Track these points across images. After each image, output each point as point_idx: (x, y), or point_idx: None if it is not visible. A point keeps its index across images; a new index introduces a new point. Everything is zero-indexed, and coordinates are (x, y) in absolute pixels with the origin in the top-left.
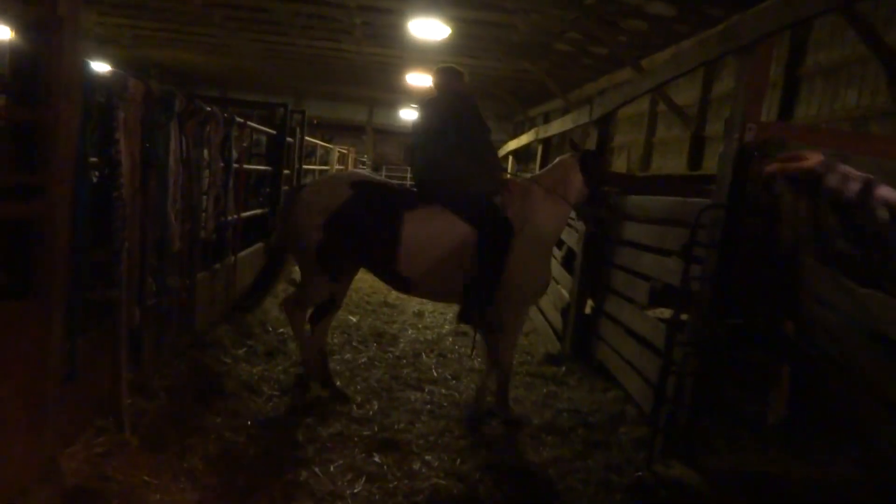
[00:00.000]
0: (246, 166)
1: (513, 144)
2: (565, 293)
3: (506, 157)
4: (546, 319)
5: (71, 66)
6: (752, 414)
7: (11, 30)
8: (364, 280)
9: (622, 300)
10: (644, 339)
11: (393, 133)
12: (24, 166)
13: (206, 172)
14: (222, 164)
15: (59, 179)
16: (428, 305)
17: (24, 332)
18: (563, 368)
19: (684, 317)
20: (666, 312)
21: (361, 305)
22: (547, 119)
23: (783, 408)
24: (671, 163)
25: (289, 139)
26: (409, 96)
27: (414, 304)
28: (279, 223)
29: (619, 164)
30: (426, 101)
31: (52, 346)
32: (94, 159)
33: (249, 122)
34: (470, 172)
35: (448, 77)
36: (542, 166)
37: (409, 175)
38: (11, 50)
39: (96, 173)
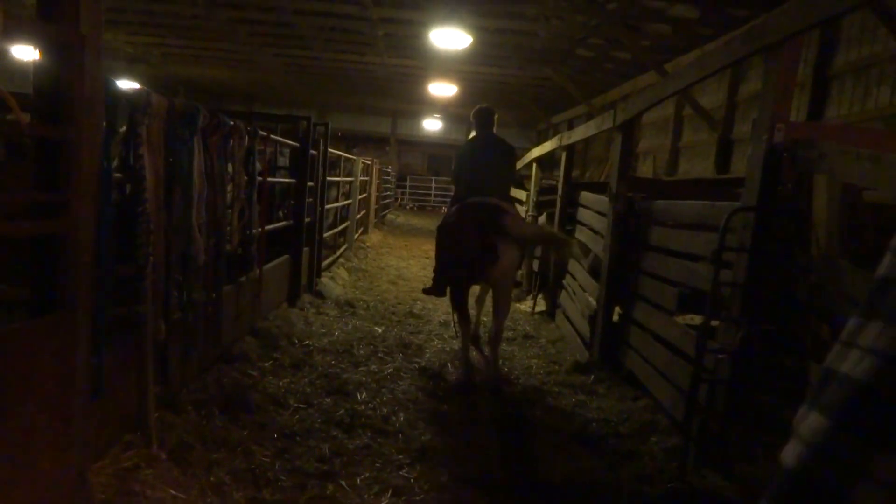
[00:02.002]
0: (270, 179)
1: (536, 152)
2: (592, 301)
3: (529, 164)
4: (573, 327)
5: (94, 83)
6: (788, 421)
7: (35, 49)
8: (389, 291)
9: (650, 307)
10: (674, 346)
11: (417, 144)
12: (48, 183)
13: (231, 186)
14: (246, 178)
15: (83, 196)
16: (455, 315)
17: (51, 348)
18: (592, 377)
19: (715, 323)
20: (696, 319)
21: (387, 316)
22: (570, 126)
23: None
24: (698, 167)
25: (312, 151)
26: (432, 106)
27: (440, 314)
28: None
29: (645, 170)
30: (474, 140)
31: (79, 362)
32: (118, 175)
33: (273, 136)
34: (504, 195)
35: (488, 118)
36: (566, 173)
37: (434, 186)
38: (35, 69)
39: (121, 189)
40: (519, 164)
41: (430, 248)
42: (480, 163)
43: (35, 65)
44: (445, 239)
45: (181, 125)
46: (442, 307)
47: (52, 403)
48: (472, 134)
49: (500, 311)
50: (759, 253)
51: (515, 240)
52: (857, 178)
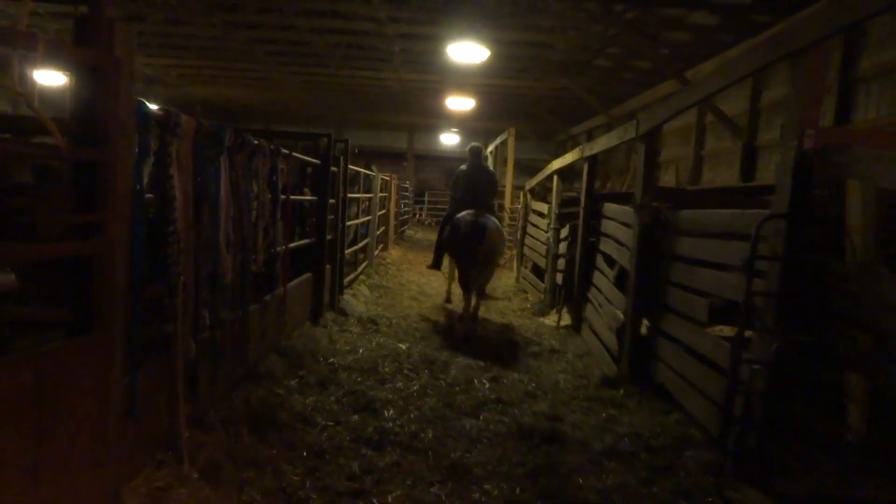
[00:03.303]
0: (292, 197)
1: (557, 164)
2: (619, 313)
3: (550, 176)
4: (600, 341)
5: (127, 106)
6: (828, 434)
7: (69, 74)
8: (411, 307)
9: (680, 318)
10: (706, 358)
11: (434, 158)
12: (84, 205)
13: (255, 204)
14: (270, 196)
15: (117, 216)
16: (478, 330)
17: (88, 367)
18: (621, 391)
19: (748, 334)
20: (727, 330)
21: (411, 333)
22: (590, 136)
23: (862, 427)
24: (722, 175)
25: (333, 168)
26: (449, 120)
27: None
28: None
29: (668, 179)
30: (466, 171)
31: (115, 381)
32: (148, 196)
33: (295, 154)
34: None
35: (477, 153)
36: (588, 184)
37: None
38: (71, 92)
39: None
40: (539, 177)
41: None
42: (471, 185)
43: (70, 88)
44: (446, 236)
45: (208, 145)
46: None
47: (90, 423)
48: (463, 167)
49: (484, 283)
50: (792, 261)
51: (493, 242)
52: (893, 182)
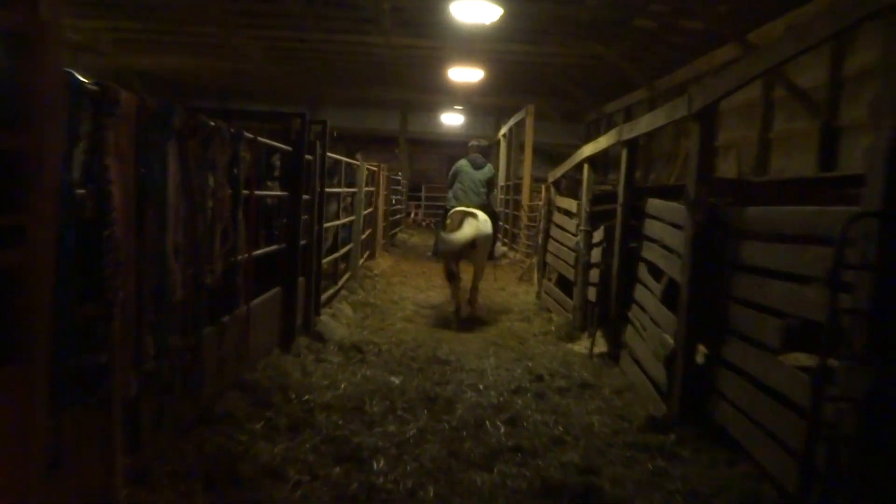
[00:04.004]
0: (257, 192)
1: (588, 150)
2: (668, 338)
3: (580, 165)
4: (644, 373)
5: (55, 80)
6: None
7: None
8: (405, 331)
9: (746, 344)
10: (780, 394)
11: (433, 144)
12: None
13: (211, 202)
14: (229, 192)
15: (41, 219)
16: (490, 359)
17: (2, 408)
18: (672, 436)
19: (833, 363)
20: (806, 359)
21: (405, 363)
22: (629, 116)
23: None
24: (795, 162)
25: (307, 156)
26: (451, 96)
27: (470, 358)
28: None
29: (728, 168)
30: (464, 167)
31: (36, 426)
32: (80, 192)
33: (261, 139)
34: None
35: (480, 151)
36: (627, 175)
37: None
38: None
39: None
40: (565, 166)
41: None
42: (468, 182)
43: None
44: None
45: (153, 128)
46: (474, 347)
47: (4, 479)
48: (463, 161)
49: (477, 276)
50: (889, 271)
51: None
52: None
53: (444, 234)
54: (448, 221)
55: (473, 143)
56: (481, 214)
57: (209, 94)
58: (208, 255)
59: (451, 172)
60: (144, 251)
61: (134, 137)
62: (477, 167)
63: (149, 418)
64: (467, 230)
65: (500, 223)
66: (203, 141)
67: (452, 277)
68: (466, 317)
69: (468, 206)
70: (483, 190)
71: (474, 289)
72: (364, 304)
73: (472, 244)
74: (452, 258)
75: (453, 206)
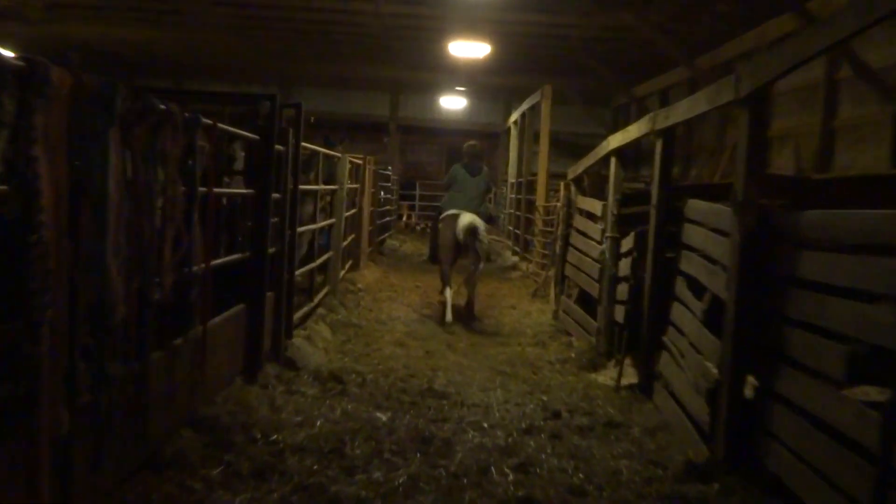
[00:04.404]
0: (218, 190)
1: (615, 141)
2: (711, 367)
3: (606, 159)
4: (682, 409)
5: None
6: None
7: None
8: (395, 357)
9: (804, 375)
10: (845, 435)
11: (429, 132)
12: None
13: (162, 201)
14: (183, 189)
15: None
16: (497, 392)
17: None
18: (716, 486)
19: None
20: (876, 393)
21: (394, 396)
22: (665, 100)
23: None
24: (865, 156)
25: (278, 147)
26: (451, 75)
27: (473, 390)
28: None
29: (783, 162)
30: (461, 171)
31: None
32: (1, 188)
33: (222, 125)
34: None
35: (474, 155)
36: (662, 171)
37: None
38: None
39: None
40: (588, 160)
41: (453, 295)
42: (465, 187)
43: None
44: (437, 235)
45: (92, 112)
46: (478, 377)
47: None
48: (460, 165)
49: (473, 276)
50: None
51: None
52: None
53: (440, 227)
54: (441, 225)
55: (470, 143)
56: (476, 217)
57: (161, 73)
58: (157, 266)
59: (446, 179)
60: (79, 260)
61: (67, 123)
62: (473, 173)
63: (83, 461)
64: (462, 223)
65: (503, 224)
66: (152, 128)
67: (446, 280)
68: (465, 315)
69: (462, 213)
70: (479, 198)
71: (470, 287)
72: (345, 325)
73: (470, 231)
74: (448, 256)
75: (447, 212)
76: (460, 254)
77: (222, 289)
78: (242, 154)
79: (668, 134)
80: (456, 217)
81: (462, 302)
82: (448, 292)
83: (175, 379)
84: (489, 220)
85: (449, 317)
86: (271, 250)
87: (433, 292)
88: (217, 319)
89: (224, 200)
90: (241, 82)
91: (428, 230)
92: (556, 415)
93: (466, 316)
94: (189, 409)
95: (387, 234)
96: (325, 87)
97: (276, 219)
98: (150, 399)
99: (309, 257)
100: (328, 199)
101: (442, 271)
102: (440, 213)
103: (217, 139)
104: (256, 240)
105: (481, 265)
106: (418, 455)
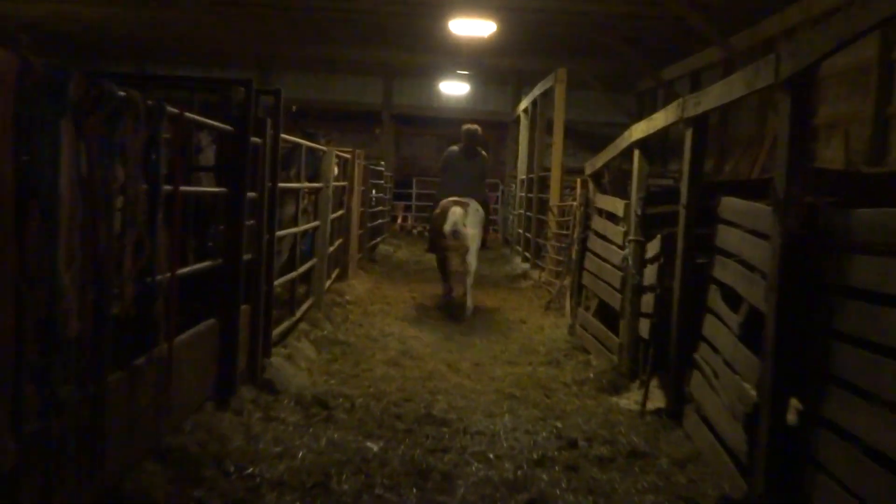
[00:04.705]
0: (185, 188)
1: (639, 131)
2: (749, 388)
3: (628, 152)
4: (716, 436)
5: None
6: None
7: None
8: (388, 379)
9: (856, 397)
10: None
11: (428, 122)
12: None
13: (120, 201)
14: (146, 187)
15: None
16: (505, 418)
17: None
18: None
19: None
20: None
21: (387, 423)
22: (696, 84)
23: None
24: None
25: (254, 139)
26: (452, 57)
27: (478, 416)
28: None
29: (831, 155)
30: (457, 154)
31: None
32: None
33: (190, 115)
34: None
35: (473, 137)
36: (693, 166)
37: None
38: None
39: None
40: (609, 153)
41: (454, 307)
42: (461, 172)
43: None
44: (434, 224)
45: (41, 101)
46: (483, 401)
47: None
48: (455, 147)
49: (471, 267)
50: None
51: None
52: None
53: (436, 215)
54: (437, 211)
55: (466, 127)
56: (472, 202)
57: (122, 56)
58: (116, 275)
59: (441, 162)
60: (26, 269)
61: (13, 113)
62: (470, 157)
63: (31, 498)
64: (457, 212)
65: (512, 227)
66: (110, 118)
67: (446, 272)
68: (466, 307)
69: (460, 198)
70: (477, 183)
71: (467, 287)
72: (332, 342)
73: (452, 232)
74: (447, 248)
75: (445, 199)
76: (459, 246)
77: (190, 301)
78: (213, 147)
79: (699, 123)
80: (452, 205)
81: (462, 295)
82: (448, 285)
83: (137, 404)
84: (485, 206)
85: (452, 297)
86: (246, 257)
87: (432, 305)
88: (184, 336)
89: (192, 200)
90: (212, 66)
91: (426, 234)
92: (573, 444)
93: (465, 311)
94: (153, 439)
95: (379, 239)
96: (309, 71)
97: (251, 221)
98: (108, 427)
99: (290, 265)
100: (312, 199)
101: (439, 262)
102: (436, 204)
103: (184, 130)
104: (229, 245)
105: (469, 278)
106: (414, 490)
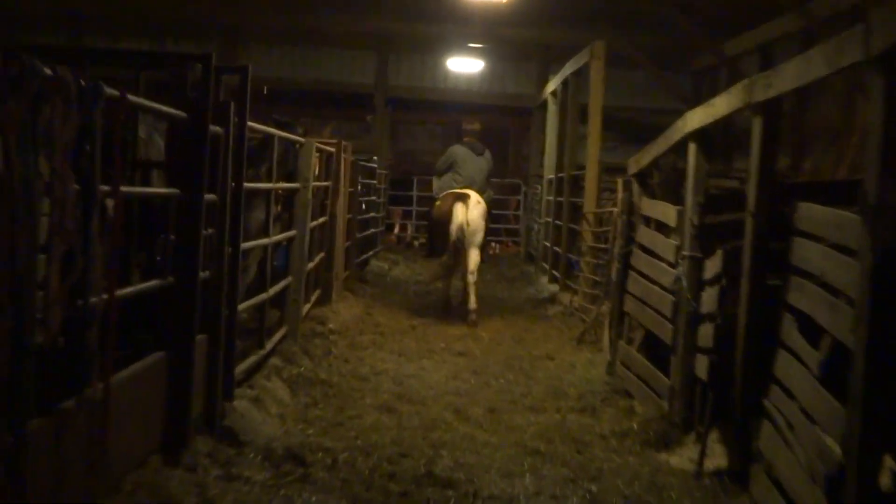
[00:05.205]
0: (127, 189)
1: (697, 119)
2: (831, 443)
3: (681, 146)
4: (785, 498)
5: None
6: None
7: None
8: (380, 427)
9: None
10: None
11: (431, 107)
12: None
13: (44, 205)
14: (78, 187)
15: None
16: (526, 479)
17: None
18: None
19: None
20: None
21: (378, 484)
22: (768, 60)
23: None
24: None
25: (214, 128)
26: (461, 28)
27: (491, 476)
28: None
29: None
30: (467, 148)
31: None
32: None
33: (133, 98)
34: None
35: (477, 131)
36: (763, 161)
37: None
38: None
39: None
40: (658, 147)
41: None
42: (462, 169)
43: None
44: (434, 221)
45: None
46: (498, 457)
47: None
48: (458, 147)
49: (472, 270)
50: None
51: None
52: None
53: (437, 207)
54: (438, 203)
55: (470, 123)
56: (473, 193)
57: (53, 25)
58: (39, 296)
59: (443, 158)
60: None
61: None
62: (478, 153)
63: None
64: (461, 209)
65: (536, 238)
66: (32, 101)
67: (446, 273)
68: (473, 321)
69: (462, 190)
70: (483, 181)
71: (470, 285)
72: (310, 382)
73: (468, 222)
74: (450, 247)
75: (448, 191)
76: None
77: (133, 330)
78: (164, 139)
79: (770, 109)
80: (455, 199)
81: (467, 302)
82: (447, 285)
83: (64, 457)
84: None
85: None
86: (204, 275)
87: (435, 334)
88: (125, 373)
89: (137, 204)
90: (164, 38)
91: (427, 247)
92: None
93: (471, 312)
94: (84, 501)
95: (371, 253)
96: (285, 44)
97: (210, 230)
98: (27, 486)
99: (259, 285)
100: (285, 204)
101: (442, 264)
102: (435, 197)
103: (127, 117)
104: (183, 260)
105: (473, 276)
106: None
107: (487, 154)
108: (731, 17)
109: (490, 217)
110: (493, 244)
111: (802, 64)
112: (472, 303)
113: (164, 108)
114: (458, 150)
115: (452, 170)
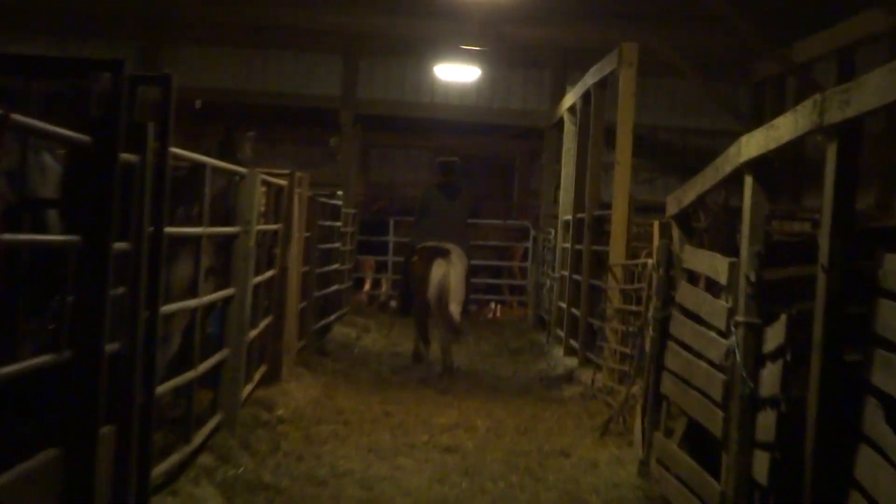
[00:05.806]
0: (9, 237)
1: (756, 145)
2: None
3: (734, 178)
4: None
5: None
6: None
7: None
8: (385, 486)
9: None
10: None
11: (413, 126)
12: None
13: None
14: None
15: None
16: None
17: None
18: None
19: None
20: None
21: None
22: (848, 67)
23: None
24: None
25: (126, 155)
26: (458, 24)
27: None
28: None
29: None
30: (438, 190)
31: None
32: None
33: (18, 117)
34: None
35: (447, 169)
36: (840, 198)
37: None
38: None
39: None
40: (705, 181)
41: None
42: (441, 210)
43: None
44: (409, 277)
45: None
46: None
47: None
48: (435, 185)
49: (450, 331)
50: None
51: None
52: None
53: (413, 263)
54: (415, 259)
55: (443, 159)
56: (454, 249)
57: None
58: None
59: (418, 204)
60: None
61: None
62: (451, 196)
63: None
64: (441, 269)
65: (547, 296)
66: None
67: (423, 335)
68: (443, 388)
69: (440, 243)
70: (461, 225)
71: (446, 352)
72: (251, 487)
73: (438, 293)
74: (426, 308)
75: (424, 244)
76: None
77: (18, 420)
78: (59, 168)
79: (849, 133)
80: (434, 253)
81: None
82: (426, 351)
83: None
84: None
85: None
86: (111, 347)
87: (416, 423)
88: (4, 479)
89: (25, 254)
90: (67, 39)
91: (400, 306)
92: None
93: (443, 383)
94: None
95: (334, 317)
96: (224, 45)
97: (121, 289)
98: None
99: (184, 360)
100: (220, 252)
101: (417, 324)
102: (412, 250)
103: (14, 141)
104: (84, 328)
105: (451, 334)
106: None
107: (463, 194)
108: (801, 13)
109: (472, 270)
110: (492, 304)
111: (891, 75)
112: (450, 364)
113: (62, 132)
114: (430, 195)
115: (426, 216)
